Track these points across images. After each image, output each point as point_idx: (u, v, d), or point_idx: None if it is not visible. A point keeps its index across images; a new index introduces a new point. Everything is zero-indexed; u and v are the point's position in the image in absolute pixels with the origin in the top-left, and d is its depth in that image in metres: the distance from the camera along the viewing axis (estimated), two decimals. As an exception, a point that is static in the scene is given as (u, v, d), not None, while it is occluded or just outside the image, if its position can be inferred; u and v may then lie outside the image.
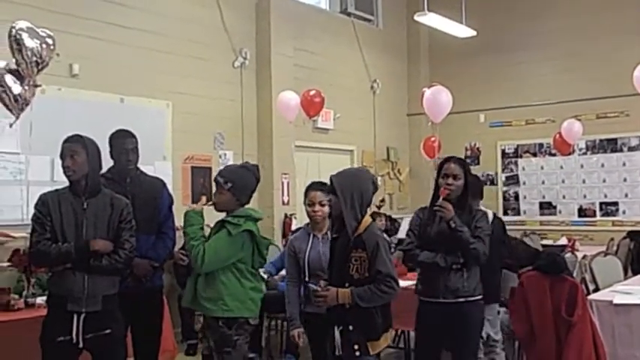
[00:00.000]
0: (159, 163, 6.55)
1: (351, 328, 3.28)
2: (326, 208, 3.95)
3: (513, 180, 10.18)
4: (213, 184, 3.71)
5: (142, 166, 4.29)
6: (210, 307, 3.51)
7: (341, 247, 3.36)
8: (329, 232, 3.97)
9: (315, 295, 3.33)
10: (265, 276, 5.65)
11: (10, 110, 4.29)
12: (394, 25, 10.36)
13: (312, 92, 7.45)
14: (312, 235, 4.01)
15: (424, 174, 9.85)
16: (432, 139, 8.46)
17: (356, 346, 3.28)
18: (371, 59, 9.74)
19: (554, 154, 9.63)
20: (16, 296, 4.62)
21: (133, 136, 4.19)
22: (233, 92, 7.67)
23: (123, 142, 4.13)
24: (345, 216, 3.29)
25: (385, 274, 3.24)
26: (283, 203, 7.91)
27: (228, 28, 7.62)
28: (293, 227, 7.34)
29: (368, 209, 3.44)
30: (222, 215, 3.65)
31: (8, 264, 5.02)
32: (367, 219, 3.38)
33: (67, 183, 3.58)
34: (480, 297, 3.85)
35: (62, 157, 3.47)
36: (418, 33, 10.37)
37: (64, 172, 3.48)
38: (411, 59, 10.63)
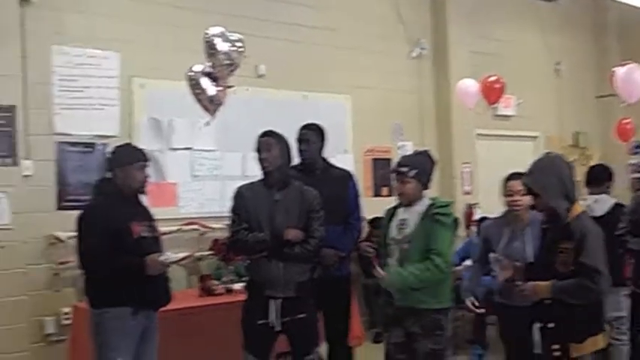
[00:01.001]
0: (340, 156, 6.68)
1: (551, 326, 3.10)
2: (527, 199, 3.70)
3: None
4: (392, 175, 3.75)
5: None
6: (427, 300, 3.51)
7: (549, 239, 3.19)
8: (528, 228, 3.78)
9: (520, 289, 3.17)
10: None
11: (207, 110, 4.64)
12: (578, 2, 9.74)
13: (492, 78, 7.24)
14: (508, 228, 3.85)
15: (617, 159, 9.18)
16: (626, 121, 7.88)
17: (555, 347, 3.09)
18: (554, 40, 9.24)
19: None
20: (217, 282, 4.99)
21: (320, 128, 4.36)
22: (411, 83, 7.67)
23: (305, 133, 4.32)
24: (557, 207, 3.09)
25: (590, 267, 2.98)
26: (465, 193, 7.78)
27: (404, 19, 7.63)
28: (475, 217, 7.19)
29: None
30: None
31: (209, 252, 5.45)
32: (577, 207, 3.15)
33: (257, 177, 3.82)
34: None
35: (258, 150, 3.71)
36: (606, 8, 9.65)
37: (261, 164, 3.71)
38: (599, 37, 9.92)
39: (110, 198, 3.55)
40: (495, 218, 4.09)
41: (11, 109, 4.92)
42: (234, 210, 3.72)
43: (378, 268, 3.55)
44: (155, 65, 5.68)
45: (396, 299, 3.60)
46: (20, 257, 4.94)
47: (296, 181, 3.82)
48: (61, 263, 5.09)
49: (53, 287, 5.15)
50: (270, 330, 3.67)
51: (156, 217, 3.83)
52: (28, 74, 5.08)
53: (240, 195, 3.73)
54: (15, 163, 4.94)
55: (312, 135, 4.33)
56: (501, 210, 4.07)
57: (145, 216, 3.66)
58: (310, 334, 3.78)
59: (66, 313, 5.06)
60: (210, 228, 5.78)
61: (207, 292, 4.85)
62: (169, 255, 3.53)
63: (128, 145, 3.85)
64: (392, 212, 3.74)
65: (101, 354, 3.51)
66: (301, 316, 3.67)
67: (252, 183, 3.80)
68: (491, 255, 3.68)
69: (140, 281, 3.43)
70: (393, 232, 3.66)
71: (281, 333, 3.73)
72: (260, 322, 3.64)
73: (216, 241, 5.36)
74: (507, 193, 3.85)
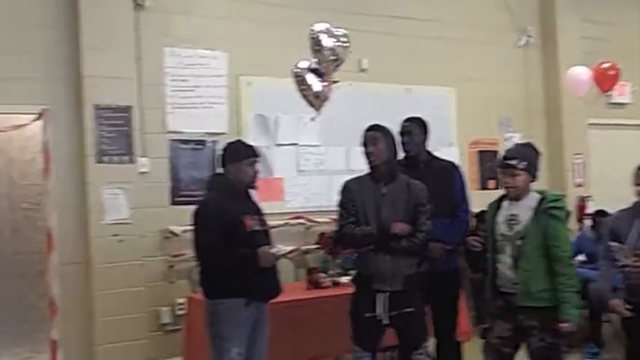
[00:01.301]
0: (445, 149, 6.59)
1: None
2: None
3: None
4: (499, 170, 3.68)
5: (430, 155, 4.41)
6: (548, 298, 3.44)
7: None
8: None
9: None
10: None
11: (312, 106, 4.70)
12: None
13: (606, 65, 6.93)
14: (638, 220, 3.65)
15: None
16: None
17: None
18: (672, 22, 8.70)
19: None
20: (324, 275, 5.05)
21: (422, 121, 4.32)
22: (518, 73, 7.45)
23: (408, 125, 4.29)
24: None
25: None
26: (576, 185, 7.48)
27: (509, 7, 7.41)
28: (588, 210, 6.90)
29: None
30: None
31: (315, 246, 5.53)
32: None
33: (361, 171, 3.83)
34: None
35: (365, 144, 3.72)
36: None
37: (367, 158, 3.72)
38: None
39: (223, 193, 3.67)
40: (623, 210, 3.87)
41: (128, 109, 5.19)
42: (341, 204, 3.75)
43: (561, 325, 3.42)
44: (261, 63, 5.82)
45: (518, 299, 3.50)
46: (138, 250, 5.20)
47: (402, 174, 3.81)
48: (175, 256, 5.33)
49: (168, 279, 5.40)
50: (378, 323, 3.67)
51: (264, 211, 3.92)
52: (143, 76, 5.34)
53: (347, 189, 3.76)
54: (132, 161, 5.21)
55: (415, 127, 4.29)
56: (622, 201, 3.88)
57: (256, 210, 3.76)
58: (418, 329, 3.75)
59: (180, 304, 5.28)
60: (315, 222, 5.86)
61: (315, 284, 4.91)
62: (280, 247, 3.63)
63: (239, 141, 3.97)
64: (496, 206, 3.66)
65: (216, 343, 3.64)
66: (409, 309, 3.66)
67: (358, 177, 3.82)
68: (614, 244, 3.54)
69: (252, 273, 3.53)
70: (502, 227, 3.58)
71: (389, 326, 3.73)
72: (368, 315, 3.66)
73: (322, 234, 5.43)
74: (638, 182, 3.66)
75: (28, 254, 5.74)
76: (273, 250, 3.58)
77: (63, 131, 5.10)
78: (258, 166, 3.79)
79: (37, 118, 5.04)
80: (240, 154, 3.71)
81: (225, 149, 3.81)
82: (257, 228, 3.66)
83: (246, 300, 3.59)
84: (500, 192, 3.75)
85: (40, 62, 5.04)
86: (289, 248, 3.89)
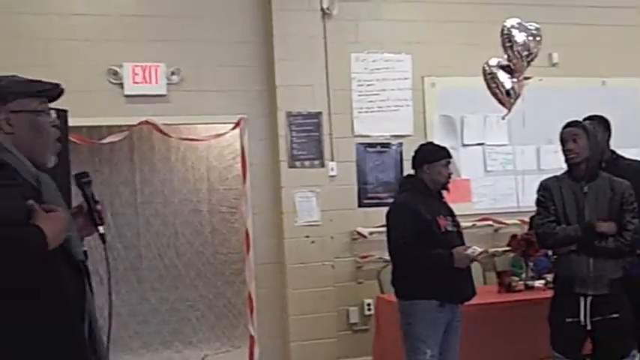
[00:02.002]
0: (645, 145, 6.16)
1: None
2: None
3: None
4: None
5: (627, 150, 4.19)
6: None
7: None
8: None
9: None
10: None
11: (503, 104, 4.59)
12: None
13: None
14: None
15: None
16: None
17: None
18: None
19: None
20: (516, 278, 4.89)
21: (604, 119, 4.09)
22: None
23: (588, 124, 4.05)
24: None
25: None
26: None
27: None
28: None
29: None
30: None
31: (506, 248, 5.36)
32: None
33: (552, 170, 3.67)
34: None
35: (563, 141, 3.57)
36: None
37: (566, 156, 3.57)
38: None
39: (416, 194, 3.71)
40: None
41: (318, 115, 5.40)
42: (540, 203, 3.63)
43: None
44: (444, 63, 5.77)
45: None
46: (328, 251, 5.37)
47: (604, 172, 3.61)
48: (363, 257, 5.43)
49: (357, 279, 5.51)
50: (580, 329, 3.49)
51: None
52: (331, 82, 5.50)
53: (546, 188, 3.63)
54: (322, 165, 5.41)
55: (596, 126, 4.04)
56: None
57: (449, 211, 3.76)
58: (625, 336, 3.52)
59: (368, 304, 5.37)
60: (503, 224, 5.70)
61: (507, 288, 4.77)
62: (476, 248, 3.57)
63: (431, 143, 4.01)
64: None
65: (409, 344, 3.66)
66: (614, 315, 3.45)
67: (556, 176, 3.68)
68: None
69: (447, 274, 3.52)
70: None
71: (591, 333, 3.53)
72: (569, 319, 3.50)
73: (514, 236, 5.24)
74: None
75: (227, 254, 6.14)
76: (468, 251, 3.54)
77: (258, 138, 5.41)
78: (451, 167, 3.78)
79: (234, 127, 5.38)
80: (435, 155, 3.74)
81: (417, 151, 3.85)
82: (450, 228, 3.65)
83: (440, 302, 3.58)
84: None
85: (239, 75, 5.39)
86: (482, 249, 3.82)
